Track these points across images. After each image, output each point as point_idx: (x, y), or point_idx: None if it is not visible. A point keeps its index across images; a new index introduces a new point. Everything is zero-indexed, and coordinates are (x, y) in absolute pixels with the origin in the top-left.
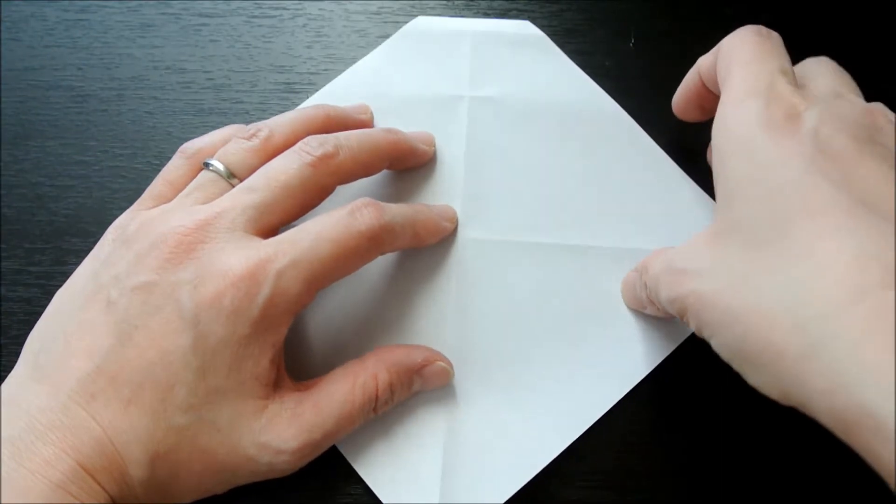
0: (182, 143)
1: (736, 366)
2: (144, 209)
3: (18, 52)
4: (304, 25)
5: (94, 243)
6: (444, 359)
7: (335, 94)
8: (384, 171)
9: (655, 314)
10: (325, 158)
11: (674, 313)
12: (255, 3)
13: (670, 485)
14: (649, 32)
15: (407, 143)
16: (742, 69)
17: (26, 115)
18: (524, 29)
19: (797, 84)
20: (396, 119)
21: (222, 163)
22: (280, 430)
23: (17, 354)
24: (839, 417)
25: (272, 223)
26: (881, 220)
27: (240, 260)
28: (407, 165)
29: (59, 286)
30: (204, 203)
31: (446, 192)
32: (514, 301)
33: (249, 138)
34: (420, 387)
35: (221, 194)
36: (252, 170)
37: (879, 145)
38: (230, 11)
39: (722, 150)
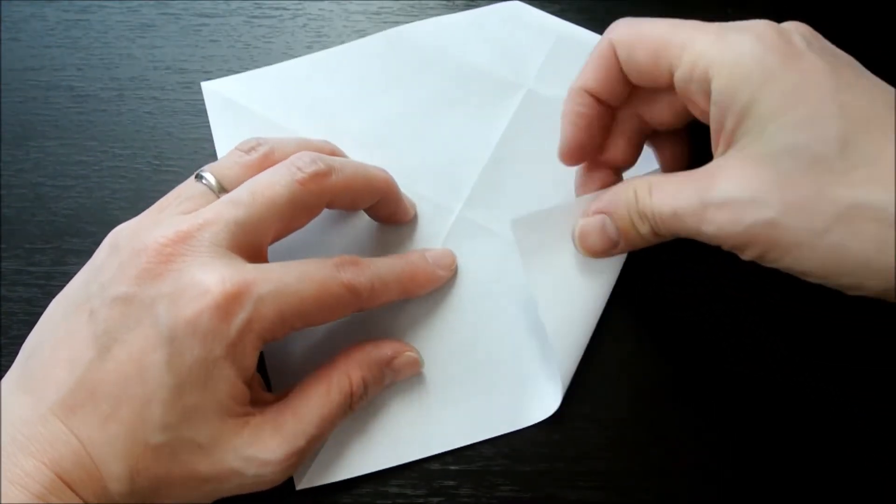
0: (182, 145)
1: (829, 270)
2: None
3: (18, 52)
4: (304, 25)
5: (94, 243)
6: (412, 348)
7: (408, 36)
8: (407, 134)
9: (625, 251)
10: (317, 177)
11: (728, 246)
12: (255, 3)
13: (670, 485)
14: None
15: (398, 191)
16: (695, 31)
17: (26, 115)
18: None
19: None
20: (453, 82)
21: (215, 176)
22: (264, 443)
23: (17, 355)
24: None
25: (255, 241)
26: None
27: (222, 279)
28: (389, 213)
29: (60, 286)
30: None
31: (466, 165)
32: (467, 290)
33: (248, 151)
34: (391, 379)
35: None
36: None
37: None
38: (230, 11)
39: (735, 86)
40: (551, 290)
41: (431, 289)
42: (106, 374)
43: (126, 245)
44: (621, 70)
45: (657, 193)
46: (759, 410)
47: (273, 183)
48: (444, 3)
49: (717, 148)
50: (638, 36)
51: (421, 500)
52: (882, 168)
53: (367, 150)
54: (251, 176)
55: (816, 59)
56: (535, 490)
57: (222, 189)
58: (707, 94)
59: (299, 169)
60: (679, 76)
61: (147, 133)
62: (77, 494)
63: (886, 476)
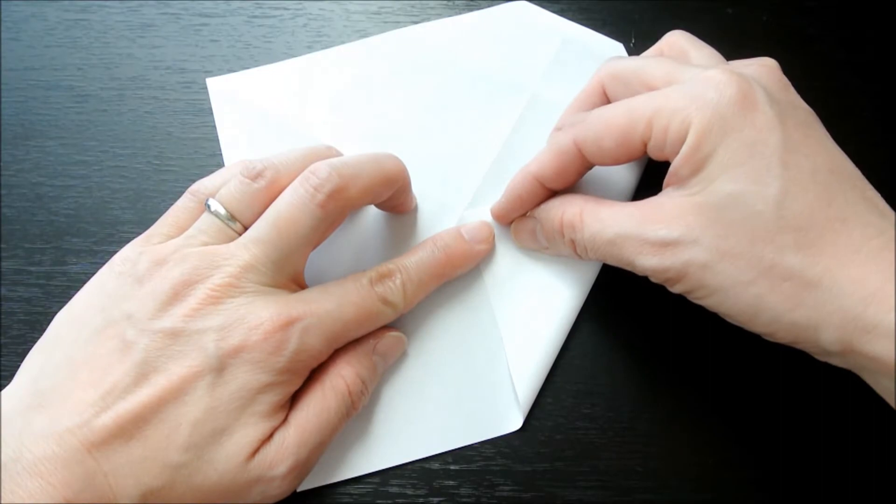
0: (182, 145)
1: (747, 316)
2: (151, 245)
3: (18, 52)
4: (305, 25)
5: (94, 243)
6: (391, 328)
7: (416, 36)
8: (414, 134)
9: (555, 255)
10: (335, 194)
11: (659, 280)
12: (256, 3)
13: (670, 485)
14: (649, 32)
15: (409, 179)
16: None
17: (26, 115)
18: (616, 51)
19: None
20: (460, 83)
21: (224, 206)
22: (270, 462)
23: (18, 354)
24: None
25: (292, 271)
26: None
27: (270, 315)
28: (398, 203)
29: (59, 286)
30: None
31: (471, 166)
32: (466, 289)
33: (255, 179)
34: (382, 364)
35: (226, 239)
36: (255, 214)
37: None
38: (230, 11)
39: (701, 138)
40: (512, 304)
41: (472, 266)
42: (139, 398)
43: (155, 278)
44: (581, 165)
45: (589, 219)
46: (757, 411)
47: (293, 212)
48: (445, 2)
49: (668, 185)
50: (601, 130)
51: (421, 500)
52: (810, 235)
53: (372, 149)
54: (262, 205)
55: (772, 116)
56: (535, 490)
57: (231, 218)
58: (678, 151)
59: (316, 189)
60: (652, 145)
61: (147, 133)
62: None
63: (885, 476)
